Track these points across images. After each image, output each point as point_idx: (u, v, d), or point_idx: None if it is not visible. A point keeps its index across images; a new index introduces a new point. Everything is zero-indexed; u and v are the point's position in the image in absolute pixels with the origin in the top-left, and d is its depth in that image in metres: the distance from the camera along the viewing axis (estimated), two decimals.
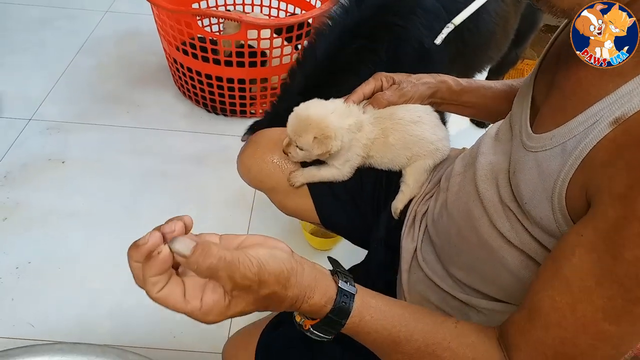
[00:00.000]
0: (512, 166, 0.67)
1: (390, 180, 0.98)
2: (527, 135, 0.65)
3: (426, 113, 0.94)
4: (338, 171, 0.95)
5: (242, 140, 1.33)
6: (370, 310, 0.58)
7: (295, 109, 0.91)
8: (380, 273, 0.93)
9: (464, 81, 0.97)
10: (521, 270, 0.66)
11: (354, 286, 0.59)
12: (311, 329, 0.59)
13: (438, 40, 0.89)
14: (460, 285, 0.76)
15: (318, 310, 0.57)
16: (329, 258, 0.63)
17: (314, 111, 0.89)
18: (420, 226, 0.88)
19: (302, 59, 1.26)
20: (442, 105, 0.98)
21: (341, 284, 0.58)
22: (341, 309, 0.57)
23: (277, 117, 1.34)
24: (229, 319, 0.58)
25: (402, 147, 0.92)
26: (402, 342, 0.58)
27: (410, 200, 0.95)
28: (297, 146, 0.91)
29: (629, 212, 0.48)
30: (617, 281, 0.49)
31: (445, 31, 0.88)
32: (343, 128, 0.88)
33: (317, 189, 1.01)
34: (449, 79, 0.96)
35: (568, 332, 0.53)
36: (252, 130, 1.35)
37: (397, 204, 0.94)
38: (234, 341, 0.94)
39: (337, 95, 0.96)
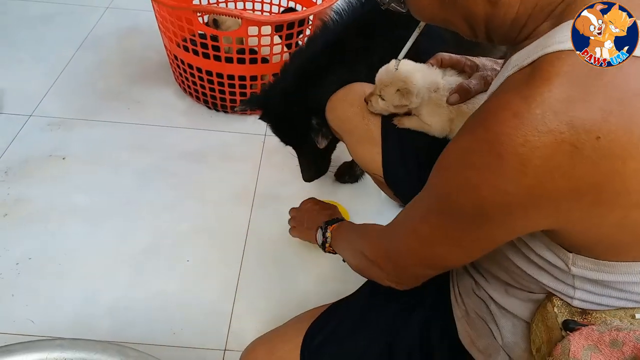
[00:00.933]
0: None
1: None
2: None
3: None
4: (428, 126, 1.02)
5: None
6: (347, 224, 1.04)
7: (387, 64, 0.99)
8: None
9: None
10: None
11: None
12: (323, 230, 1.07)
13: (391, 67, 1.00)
14: (480, 269, 0.80)
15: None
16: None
17: (403, 67, 0.97)
18: None
19: (304, 46, 1.36)
20: None
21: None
22: (334, 220, 1.06)
23: (272, 94, 1.37)
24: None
25: None
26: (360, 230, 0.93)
27: None
28: (379, 95, 1.00)
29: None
30: (428, 189, 0.66)
31: (396, 63, 0.97)
32: (424, 87, 0.97)
33: (389, 144, 1.07)
34: None
35: (398, 220, 0.75)
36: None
37: None
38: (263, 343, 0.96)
39: (328, 87, 1.17)
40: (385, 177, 1.10)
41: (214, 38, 1.72)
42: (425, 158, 1.03)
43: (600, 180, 0.50)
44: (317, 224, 1.12)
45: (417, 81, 0.96)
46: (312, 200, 1.30)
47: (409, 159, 1.07)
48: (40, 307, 1.32)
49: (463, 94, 0.93)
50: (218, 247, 1.49)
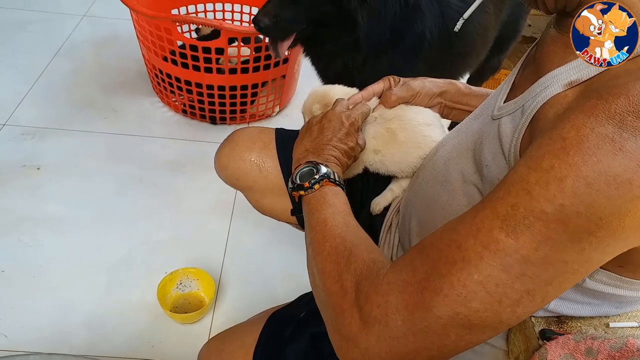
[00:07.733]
0: (480, 138, 0.69)
1: (367, 184, 0.99)
2: (498, 107, 0.68)
3: (437, 119, 0.96)
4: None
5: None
6: (335, 195, 0.72)
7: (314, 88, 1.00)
8: None
9: (473, 87, 0.99)
10: None
11: (343, 186, 0.76)
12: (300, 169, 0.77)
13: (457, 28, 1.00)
14: None
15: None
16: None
17: (326, 87, 0.99)
18: (395, 234, 0.89)
19: None
20: (452, 110, 0.98)
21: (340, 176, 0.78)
22: (328, 174, 0.75)
23: None
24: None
25: (413, 145, 0.91)
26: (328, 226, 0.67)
27: (387, 208, 0.95)
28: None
29: (555, 134, 0.48)
30: (526, 188, 0.48)
31: (460, 22, 0.98)
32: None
33: None
34: (459, 83, 0.98)
35: (459, 235, 0.51)
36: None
37: (381, 201, 0.95)
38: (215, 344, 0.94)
39: None
40: (301, 223, 1.02)
41: (194, 48, 1.72)
42: None
43: None
44: (311, 152, 0.81)
45: (334, 97, 0.93)
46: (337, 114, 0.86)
47: None
48: (13, 321, 1.28)
49: (385, 100, 0.93)
50: (197, 258, 1.48)
